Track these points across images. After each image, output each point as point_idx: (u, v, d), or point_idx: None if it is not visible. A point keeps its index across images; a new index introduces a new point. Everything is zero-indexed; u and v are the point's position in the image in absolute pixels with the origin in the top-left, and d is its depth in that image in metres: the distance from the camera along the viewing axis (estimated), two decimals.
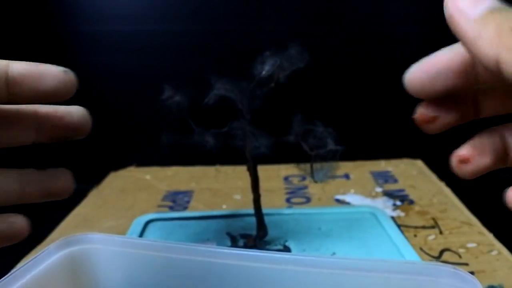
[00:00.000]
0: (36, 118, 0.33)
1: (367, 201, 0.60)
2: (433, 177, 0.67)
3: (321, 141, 0.40)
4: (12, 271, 0.29)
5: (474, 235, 0.50)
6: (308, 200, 0.60)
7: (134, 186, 0.68)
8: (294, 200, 0.61)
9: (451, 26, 0.24)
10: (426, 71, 0.25)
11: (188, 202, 0.61)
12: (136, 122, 0.79)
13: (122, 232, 0.51)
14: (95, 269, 0.33)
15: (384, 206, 0.58)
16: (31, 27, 0.74)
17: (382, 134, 0.80)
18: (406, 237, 0.46)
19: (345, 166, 0.72)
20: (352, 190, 0.63)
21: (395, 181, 0.66)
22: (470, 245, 0.48)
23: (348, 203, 0.59)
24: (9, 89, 0.30)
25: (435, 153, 0.78)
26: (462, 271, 0.26)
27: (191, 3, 0.73)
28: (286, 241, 0.46)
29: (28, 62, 0.32)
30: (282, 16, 0.74)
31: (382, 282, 0.27)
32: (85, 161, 0.81)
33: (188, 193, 0.64)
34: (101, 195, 0.65)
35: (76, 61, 0.77)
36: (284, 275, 0.31)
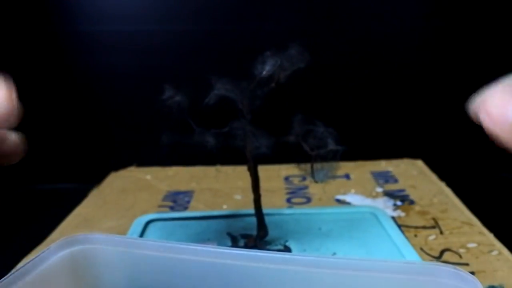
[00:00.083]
0: None
1: (368, 201, 0.60)
2: (433, 177, 0.67)
3: (321, 141, 0.40)
4: (13, 271, 0.29)
5: (475, 235, 0.50)
6: (309, 200, 0.60)
7: (135, 186, 0.68)
8: (294, 200, 0.61)
9: (486, 128, 0.24)
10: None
11: (188, 202, 0.61)
12: (137, 122, 0.79)
13: (123, 232, 0.51)
14: (95, 269, 0.33)
15: (385, 206, 0.58)
16: (32, 27, 0.74)
17: (383, 134, 0.80)
18: (407, 237, 0.46)
19: (345, 166, 0.72)
20: (353, 190, 0.63)
21: (396, 181, 0.66)
22: (470, 245, 0.48)
23: (348, 203, 0.59)
24: None
25: (436, 153, 0.78)
26: (462, 271, 0.26)
27: (192, 3, 0.73)
28: (286, 241, 0.46)
29: None
30: (283, 16, 0.74)
31: (383, 282, 0.27)
32: (85, 161, 0.81)
33: (188, 193, 0.64)
34: (101, 195, 0.65)
35: (77, 61, 0.77)
36: (285, 275, 0.31)
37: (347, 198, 0.61)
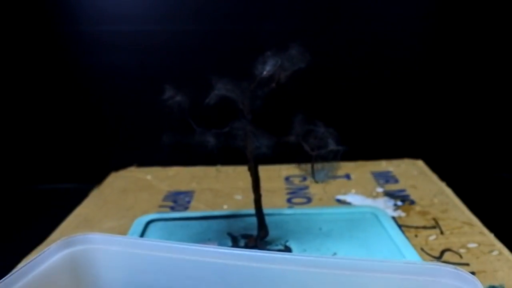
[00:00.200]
0: None
1: (368, 201, 0.60)
2: (434, 177, 0.67)
3: (322, 141, 0.40)
4: (14, 271, 0.29)
5: (475, 235, 0.50)
6: (309, 200, 0.60)
7: (135, 186, 0.68)
8: (295, 200, 0.61)
9: None
10: None
11: (189, 202, 0.61)
12: (137, 122, 0.79)
13: (123, 232, 0.51)
14: (96, 269, 0.33)
15: (385, 206, 0.58)
16: (33, 27, 0.74)
17: (383, 135, 0.80)
18: (407, 237, 0.46)
19: (346, 166, 0.72)
20: (353, 190, 0.63)
21: (396, 181, 0.66)
22: (471, 245, 0.48)
23: (349, 203, 0.59)
24: None
25: (436, 154, 0.78)
26: (463, 271, 0.26)
27: (193, 3, 0.73)
28: (287, 241, 0.46)
29: None
30: (283, 16, 0.74)
31: (383, 282, 0.27)
32: (86, 161, 0.81)
33: (189, 193, 0.64)
34: (102, 195, 0.65)
35: (77, 61, 0.77)
36: (286, 275, 0.31)
37: (348, 198, 0.61)
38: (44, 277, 0.30)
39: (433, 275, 0.26)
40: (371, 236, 0.47)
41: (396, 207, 0.57)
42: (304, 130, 0.40)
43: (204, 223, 0.51)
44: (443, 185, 0.64)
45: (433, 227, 0.52)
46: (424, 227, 0.52)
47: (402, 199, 0.60)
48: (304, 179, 0.68)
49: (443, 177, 0.67)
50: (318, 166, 0.40)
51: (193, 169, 0.74)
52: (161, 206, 0.60)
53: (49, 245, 0.33)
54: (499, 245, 0.48)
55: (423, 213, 0.56)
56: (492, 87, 0.78)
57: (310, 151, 0.40)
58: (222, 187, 0.66)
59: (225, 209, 0.58)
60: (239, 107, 0.39)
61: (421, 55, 0.79)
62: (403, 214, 0.55)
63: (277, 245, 0.46)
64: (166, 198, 0.63)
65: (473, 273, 0.38)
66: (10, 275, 0.28)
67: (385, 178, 0.68)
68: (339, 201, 0.60)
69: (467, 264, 0.44)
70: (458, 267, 0.27)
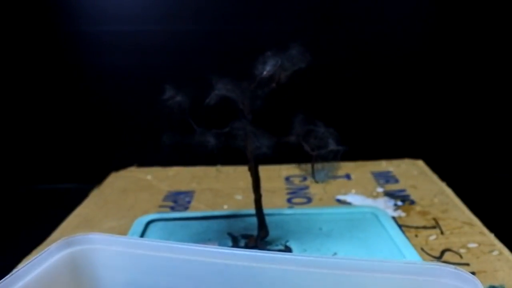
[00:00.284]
0: None
1: (368, 201, 0.60)
2: (434, 177, 0.67)
3: (322, 141, 0.40)
4: (14, 271, 0.29)
5: (475, 235, 0.50)
6: (309, 200, 0.60)
7: (135, 187, 0.68)
8: (295, 200, 0.61)
9: None
10: None
11: (189, 202, 0.61)
12: (137, 123, 0.79)
13: (123, 232, 0.51)
14: (96, 269, 0.33)
15: (385, 206, 0.58)
16: (33, 27, 0.74)
17: (383, 135, 0.80)
18: (407, 237, 0.46)
19: (346, 166, 0.72)
20: (353, 190, 0.63)
21: (396, 181, 0.66)
22: (471, 245, 0.48)
23: (349, 203, 0.59)
24: None
25: (436, 154, 0.78)
26: (463, 271, 0.26)
27: (193, 3, 0.73)
28: (287, 241, 0.46)
29: None
30: (283, 16, 0.74)
31: (384, 282, 0.27)
32: (86, 161, 0.81)
33: (189, 194, 0.64)
34: (102, 195, 0.65)
35: (78, 61, 0.77)
36: (286, 276, 0.31)
37: (348, 198, 0.61)
38: (44, 277, 0.30)
39: (433, 275, 0.26)
40: (371, 236, 0.47)
41: (396, 207, 0.57)
42: (304, 130, 0.40)
43: (204, 223, 0.51)
44: (443, 185, 0.64)
45: (433, 227, 0.52)
46: (424, 227, 0.52)
47: (402, 199, 0.60)
48: (304, 179, 0.68)
49: (443, 177, 0.67)
50: (318, 166, 0.40)
51: (193, 169, 0.74)
52: (161, 206, 0.60)
53: (49, 245, 0.33)
54: (499, 245, 0.48)
55: (423, 213, 0.56)
56: (492, 87, 0.78)
57: (311, 151, 0.40)
58: (222, 187, 0.66)
59: (225, 209, 0.58)
60: (239, 107, 0.39)
61: (421, 55, 0.79)
62: (403, 214, 0.55)
63: (277, 245, 0.46)
64: (166, 198, 0.63)
65: (473, 273, 0.38)
66: (10, 275, 0.28)
67: (385, 178, 0.68)
68: (339, 201, 0.60)
69: (467, 264, 0.44)
70: (458, 267, 0.27)
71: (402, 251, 0.43)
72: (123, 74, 0.76)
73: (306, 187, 0.65)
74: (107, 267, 0.34)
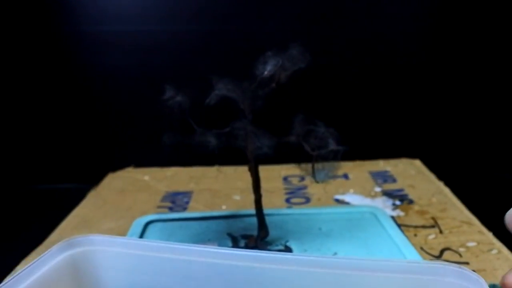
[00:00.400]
0: None
1: (367, 201, 0.60)
2: (431, 176, 0.67)
3: (322, 141, 0.39)
4: (16, 273, 0.29)
5: (474, 234, 0.50)
6: (308, 200, 0.60)
7: (133, 187, 0.67)
8: (293, 200, 0.61)
9: None
10: None
11: (187, 202, 0.61)
12: (138, 123, 0.79)
13: (122, 233, 0.51)
14: (97, 270, 0.33)
15: (384, 205, 0.58)
16: (34, 27, 0.74)
17: (380, 134, 0.80)
18: (407, 237, 0.47)
19: (344, 166, 0.71)
20: (352, 190, 0.63)
21: (394, 180, 0.66)
22: (470, 244, 0.48)
23: (347, 203, 0.59)
24: None
25: (433, 153, 0.78)
26: (467, 270, 0.26)
27: (193, 3, 0.73)
28: (287, 241, 0.46)
29: None
30: (284, 17, 0.74)
31: (388, 282, 0.27)
32: (86, 161, 0.81)
33: (187, 194, 0.64)
34: (100, 196, 0.65)
35: (78, 61, 0.76)
36: (287, 276, 0.31)
37: (346, 198, 0.61)
38: (46, 279, 0.30)
39: (437, 274, 0.26)
40: (371, 236, 0.47)
41: (395, 207, 0.58)
42: (305, 130, 0.40)
43: (204, 223, 0.51)
44: (440, 185, 0.64)
45: (432, 226, 0.52)
46: (423, 226, 0.52)
47: (400, 198, 0.60)
48: (302, 179, 0.67)
49: (440, 176, 0.67)
50: (318, 166, 0.40)
51: (191, 169, 0.73)
52: (159, 207, 0.60)
53: (48, 246, 0.32)
54: (498, 244, 0.48)
55: (422, 213, 0.56)
56: (489, 86, 0.79)
57: (311, 151, 0.40)
58: (221, 187, 0.66)
59: (224, 210, 0.58)
60: (240, 107, 0.39)
61: (419, 55, 0.79)
62: (402, 214, 0.56)
63: (277, 245, 0.46)
64: (164, 198, 0.63)
65: (473, 271, 0.38)
66: (12, 278, 0.28)
67: (383, 177, 0.68)
68: (337, 201, 0.60)
69: (467, 263, 0.45)
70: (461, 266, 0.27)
71: (402, 251, 0.43)
72: (122, 74, 0.76)
73: (305, 187, 0.65)
74: (108, 269, 0.33)
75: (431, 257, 0.46)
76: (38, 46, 0.75)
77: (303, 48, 0.39)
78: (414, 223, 0.53)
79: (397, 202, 0.59)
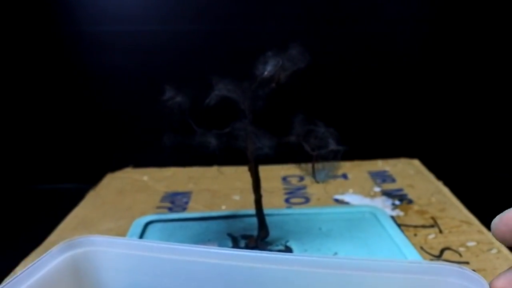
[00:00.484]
0: None
1: (366, 201, 0.60)
2: (430, 176, 0.68)
3: (322, 141, 0.39)
4: (17, 274, 0.29)
5: (474, 233, 0.50)
6: (307, 200, 0.60)
7: (132, 188, 0.67)
8: (293, 200, 0.61)
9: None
10: (506, 224, 0.26)
11: (186, 203, 0.61)
12: (138, 123, 0.78)
13: (122, 233, 0.51)
14: (98, 271, 0.33)
15: (383, 205, 0.58)
16: (34, 27, 0.73)
17: (379, 134, 0.80)
18: (407, 236, 0.47)
19: (342, 166, 0.71)
20: (351, 190, 0.63)
21: (393, 180, 0.66)
22: (470, 243, 0.48)
23: (347, 203, 0.59)
24: None
25: (432, 153, 0.79)
26: (469, 271, 0.26)
27: (194, 3, 0.73)
28: (287, 241, 0.46)
29: None
30: (284, 17, 0.74)
31: (390, 282, 0.27)
32: (86, 161, 0.81)
33: (186, 194, 0.64)
34: (99, 196, 0.64)
35: (77, 62, 0.76)
36: (288, 276, 0.31)
37: (346, 197, 0.61)
38: (46, 280, 0.30)
39: (439, 274, 0.26)
40: (371, 236, 0.47)
41: (394, 207, 0.58)
42: (305, 130, 0.40)
43: (203, 224, 0.51)
44: (439, 184, 0.64)
45: (432, 226, 0.52)
46: (423, 226, 0.52)
47: (399, 198, 0.60)
48: (302, 179, 0.67)
49: (439, 176, 0.67)
50: (318, 166, 0.40)
51: (190, 169, 0.73)
52: (158, 207, 0.60)
53: (47, 247, 0.32)
54: (497, 243, 0.48)
55: (421, 212, 0.56)
56: (488, 86, 0.79)
57: (311, 151, 0.40)
58: (220, 187, 0.66)
59: (224, 210, 0.58)
60: (241, 107, 0.39)
61: (417, 55, 0.79)
62: (401, 213, 0.56)
63: (277, 245, 0.46)
64: (163, 199, 0.63)
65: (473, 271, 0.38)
66: (12, 279, 0.28)
67: (382, 177, 0.68)
68: (337, 200, 0.60)
69: (467, 263, 0.45)
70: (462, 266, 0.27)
71: (403, 250, 0.43)
72: (122, 74, 0.75)
73: (304, 187, 0.65)
74: (109, 269, 0.33)
75: (431, 257, 0.46)
76: (38, 46, 0.74)
77: (303, 48, 0.39)
78: (413, 223, 0.53)
79: (397, 202, 0.59)
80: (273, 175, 0.69)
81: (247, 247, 0.46)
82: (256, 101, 0.39)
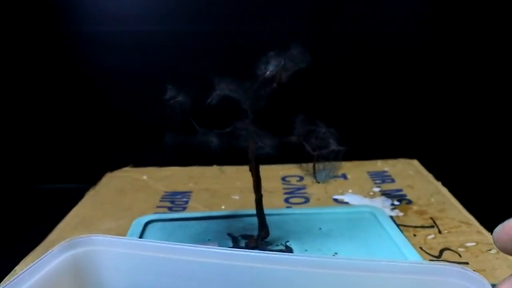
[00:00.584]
0: None
1: (366, 201, 0.60)
2: (430, 177, 0.68)
3: (323, 141, 0.40)
4: (17, 274, 0.29)
5: (473, 234, 0.50)
6: (307, 200, 0.60)
7: (132, 187, 0.67)
8: (293, 200, 0.61)
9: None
10: (507, 233, 0.26)
11: (186, 202, 0.61)
12: (139, 123, 0.78)
13: (122, 233, 0.51)
14: (99, 271, 0.33)
15: (383, 205, 0.58)
16: (34, 27, 0.73)
17: (379, 134, 0.80)
18: (406, 237, 0.47)
19: (342, 166, 0.71)
20: (350, 190, 0.63)
21: (392, 181, 0.67)
22: (469, 244, 0.48)
23: (346, 203, 0.59)
24: None
25: (431, 153, 0.79)
26: (470, 271, 0.26)
27: (194, 3, 0.73)
28: (287, 241, 0.46)
29: None
30: (285, 17, 0.74)
31: (391, 282, 0.27)
32: (86, 161, 0.81)
33: (186, 194, 0.64)
34: (98, 196, 0.64)
35: (78, 62, 0.76)
36: (288, 276, 0.31)
37: (345, 198, 0.61)
38: (47, 280, 0.30)
39: (440, 274, 0.26)
40: (371, 236, 0.47)
41: (394, 207, 0.58)
42: (306, 130, 0.40)
43: (203, 223, 0.51)
44: (439, 185, 0.64)
45: (431, 227, 0.52)
46: (422, 227, 0.52)
47: (399, 198, 0.60)
48: (301, 179, 0.68)
49: (438, 176, 0.67)
50: (319, 166, 0.40)
51: (190, 169, 0.73)
52: (158, 207, 0.60)
53: (47, 246, 0.32)
54: None
55: (421, 213, 0.56)
56: (488, 86, 0.79)
57: (312, 151, 0.40)
58: (220, 187, 0.66)
59: (224, 210, 0.58)
60: (242, 107, 0.39)
61: (417, 55, 0.79)
62: (400, 214, 0.56)
63: (277, 245, 0.46)
64: (163, 198, 0.63)
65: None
66: (14, 279, 0.28)
67: (381, 177, 0.68)
68: (336, 200, 0.60)
69: (467, 263, 0.45)
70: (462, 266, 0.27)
71: (402, 251, 0.43)
72: (124, 74, 0.76)
73: (304, 187, 0.65)
74: (110, 269, 0.33)
75: (431, 257, 0.46)
76: (38, 46, 0.74)
77: (304, 48, 0.39)
78: (413, 223, 0.53)
79: (396, 202, 0.59)
80: (272, 175, 0.69)
81: (247, 247, 0.46)
82: (258, 101, 0.39)
